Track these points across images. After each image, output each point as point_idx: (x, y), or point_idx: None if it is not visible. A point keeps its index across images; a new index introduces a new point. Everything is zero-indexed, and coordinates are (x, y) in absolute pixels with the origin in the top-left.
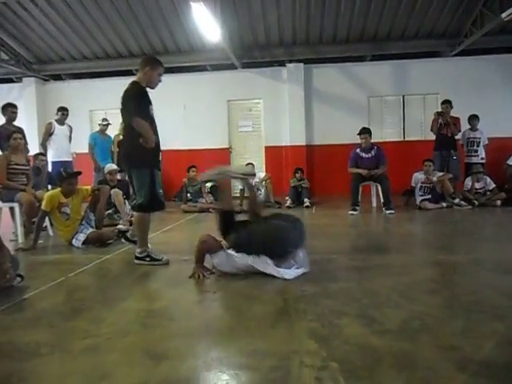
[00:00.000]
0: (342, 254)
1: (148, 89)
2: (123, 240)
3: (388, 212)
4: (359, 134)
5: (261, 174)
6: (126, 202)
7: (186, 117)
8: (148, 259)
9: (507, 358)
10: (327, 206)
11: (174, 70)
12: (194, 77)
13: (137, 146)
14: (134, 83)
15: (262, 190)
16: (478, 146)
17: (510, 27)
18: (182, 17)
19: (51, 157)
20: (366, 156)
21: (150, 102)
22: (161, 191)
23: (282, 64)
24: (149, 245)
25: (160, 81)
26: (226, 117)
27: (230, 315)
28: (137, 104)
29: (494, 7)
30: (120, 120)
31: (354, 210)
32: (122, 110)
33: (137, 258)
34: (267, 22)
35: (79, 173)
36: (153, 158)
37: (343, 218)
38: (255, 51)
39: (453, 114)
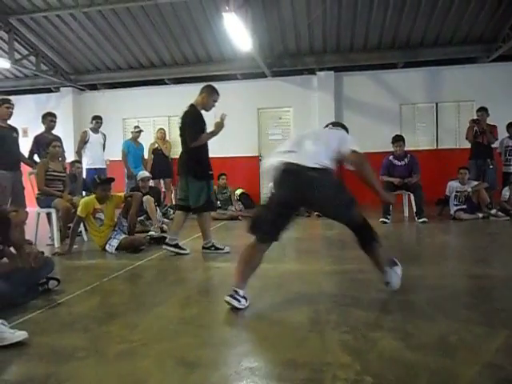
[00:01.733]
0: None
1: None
2: (165, 247)
3: (420, 220)
4: (393, 141)
5: None
6: (158, 208)
7: None
8: (175, 249)
9: None
10: None
11: (205, 78)
12: (224, 85)
13: (197, 161)
14: (191, 106)
15: None
16: None
17: None
18: (213, 26)
19: (86, 164)
20: (400, 164)
21: (204, 123)
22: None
23: (312, 72)
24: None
25: (214, 105)
26: (256, 125)
27: (261, 325)
28: (194, 130)
29: None
30: (154, 129)
31: (386, 218)
32: (182, 130)
33: (166, 244)
34: (298, 31)
35: (113, 179)
36: (209, 171)
37: (375, 228)
38: (285, 59)
39: (489, 121)
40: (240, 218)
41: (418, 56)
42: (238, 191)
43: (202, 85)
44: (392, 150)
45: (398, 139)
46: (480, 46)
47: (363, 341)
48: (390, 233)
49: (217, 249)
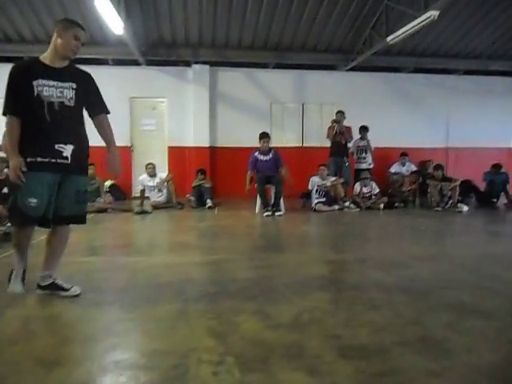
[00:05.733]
0: (241, 253)
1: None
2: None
3: (277, 214)
4: (260, 138)
5: (163, 174)
6: None
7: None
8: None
9: (378, 342)
10: (229, 207)
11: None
12: (94, 70)
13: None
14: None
15: (164, 191)
16: (366, 153)
17: (394, 50)
18: (82, 5)
19: None
20: (265, 158)
21: (35, 76)
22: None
23: (187, 64)
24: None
25: (77, 46)
26: (128, 114)
27: (128, 318)
28: (11, 90)
29: (381, 31)
30: None
31: (268, 210)
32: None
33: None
34: (173, 22)
35: None
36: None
37: (244, 219)
38: (161, 49)
39: (345, 123)
40: (109, 210)
41: (287, 58)
42: (108, 183)
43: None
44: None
45: (264, 136)
46: (339, 55)
47: (228, 325)
48: (258, 224)
49: (59, 288)
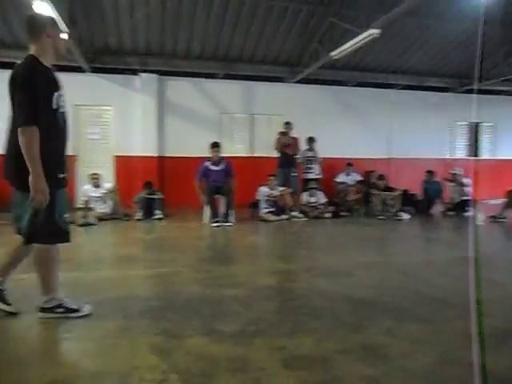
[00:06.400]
0: (188, 266)
1: None
2: None
3: (227, 224)
4: (211, 147)
5: (108, 184)
6: None
7: None
8: (61, 310)
9: (321, 351)
10: (177, 219)
11: (10, 65)
12: None
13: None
14: (30, 58)
15: (109, 202)
16: (313, 163)
17: (339, 64)
18: (21, 9)
19: None
20: (216, 169)
21: (56, 87)
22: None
23: (134, 73)
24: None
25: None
26: (72, 122)
27: (66, 337)
28: (31, 99)
29: (327, 46)
30: None
31: (217, 221)
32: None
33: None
34: (120, 29)
35: None
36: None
37: (192, 231)
38: (107, 57)
39: (293, 134)
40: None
41: (236, 69)
42: None
43: (4, 73)
44: (210, 155)
45: (214, 145)
46: (287, 68)
47: (172, 341)
48: (206, 235)
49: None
